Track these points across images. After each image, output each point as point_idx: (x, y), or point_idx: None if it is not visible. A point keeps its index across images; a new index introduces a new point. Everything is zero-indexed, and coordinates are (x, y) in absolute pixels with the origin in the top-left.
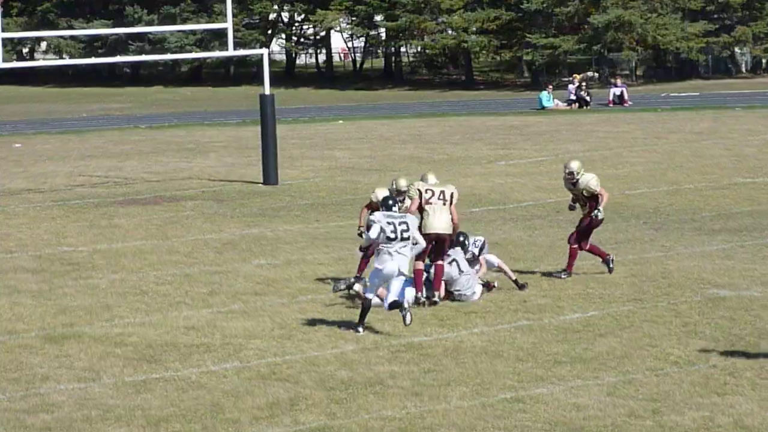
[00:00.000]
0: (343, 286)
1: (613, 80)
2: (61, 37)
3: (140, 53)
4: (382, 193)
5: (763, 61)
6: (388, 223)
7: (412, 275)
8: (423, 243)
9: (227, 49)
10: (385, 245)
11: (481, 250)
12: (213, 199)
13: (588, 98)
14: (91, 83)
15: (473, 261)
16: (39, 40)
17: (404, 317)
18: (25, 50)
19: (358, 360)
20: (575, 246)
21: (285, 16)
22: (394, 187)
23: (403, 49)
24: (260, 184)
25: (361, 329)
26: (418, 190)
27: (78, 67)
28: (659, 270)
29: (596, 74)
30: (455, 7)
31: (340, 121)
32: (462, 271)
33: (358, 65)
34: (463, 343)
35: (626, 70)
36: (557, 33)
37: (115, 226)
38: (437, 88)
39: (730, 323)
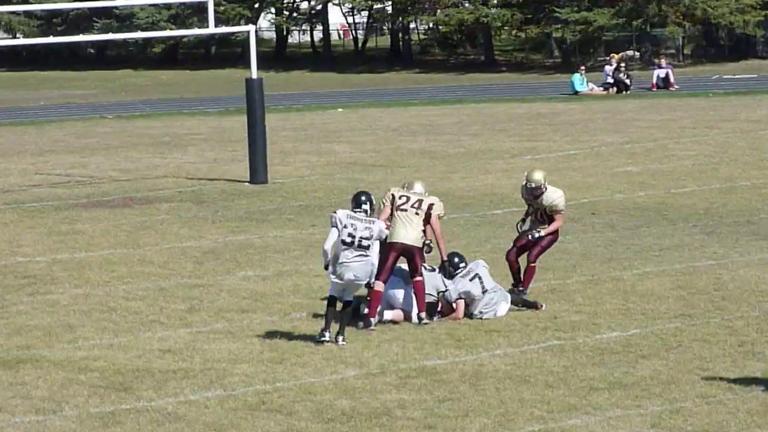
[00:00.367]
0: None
1: (656, 60)
2: (13, 12)
3: (106, 31)
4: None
5: None
6: (351, 224)
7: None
8: (375, 261)
9: (207, 26)
10: (340, 250)
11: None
12: (192, 200)
13: (628, 81)
14: (50, 66)
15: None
16: None
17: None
18: None
19: (362, 387)
20: (534, 264)
21: None
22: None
23: (412, 26)
24: (247, 183)
25: (327, 335)
26: (392, 194)
27: (34, 48)
28: (711, 281)
29: (637, 54)
30: None
31: (340, 110)
32: (486, 290)
33: (360, 44)
34: (484, 367)
35: (672, 48)
36: (591, 6)
37: (77, 233)
38: (452, 71)
39: None
